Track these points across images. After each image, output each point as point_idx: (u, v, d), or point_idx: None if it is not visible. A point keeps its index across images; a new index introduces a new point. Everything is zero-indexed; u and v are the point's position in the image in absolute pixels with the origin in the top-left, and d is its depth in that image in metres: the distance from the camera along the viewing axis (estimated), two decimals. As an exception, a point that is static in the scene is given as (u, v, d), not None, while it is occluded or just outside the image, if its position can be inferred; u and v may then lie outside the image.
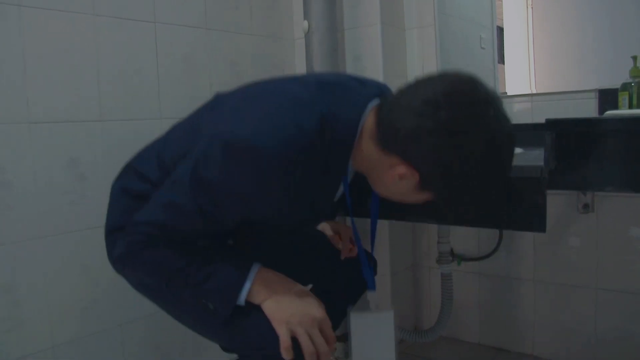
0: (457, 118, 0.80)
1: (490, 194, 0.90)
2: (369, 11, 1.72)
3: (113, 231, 1.03)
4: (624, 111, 1.12)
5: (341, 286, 1.25)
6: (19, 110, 1.21)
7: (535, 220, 1.08)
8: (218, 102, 1.02)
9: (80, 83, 1.32)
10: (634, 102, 1.39)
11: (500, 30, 1.94)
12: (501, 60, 1.93)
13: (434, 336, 1.77)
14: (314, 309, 0.95)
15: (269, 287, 0.96)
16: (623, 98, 1.40)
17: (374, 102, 0.92)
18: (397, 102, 0.86)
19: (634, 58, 1.41)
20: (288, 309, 0.94)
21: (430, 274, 1.95)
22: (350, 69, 1.77)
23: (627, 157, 1.00)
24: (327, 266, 1.26)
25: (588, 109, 1.53)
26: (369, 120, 0.90)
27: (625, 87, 1.40)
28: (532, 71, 1.85)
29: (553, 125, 1.04)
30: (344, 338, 1.55)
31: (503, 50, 1.92)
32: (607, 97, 1.48)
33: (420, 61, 1.83)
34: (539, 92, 1.76)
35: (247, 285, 0.94)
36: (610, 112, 1.17)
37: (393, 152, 0.85)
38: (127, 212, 0.99)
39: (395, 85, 1.15)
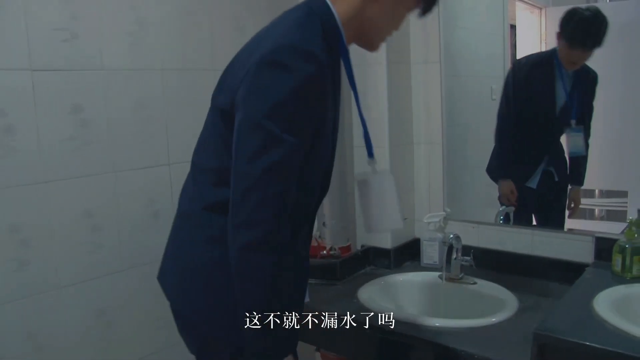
0: None
1: None
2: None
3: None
4: (611, 319, 1.18)
5: None
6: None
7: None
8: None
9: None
10: (627, 264, 1.45)
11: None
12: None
13: None
14: None
15: None
16: (617, 259, 1.46)
17: None
18: None
19: (630, 222, 1.46)
20: None
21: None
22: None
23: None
24: None
25: (585, 252, 1.60)
26: None
27: (621, 249, 1.44)
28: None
29: (539, 338, 1.13)
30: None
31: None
32: (603, 247, 1.55)
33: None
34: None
35: None
36: (599, 304, 1.23)
37: None
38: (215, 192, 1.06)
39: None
